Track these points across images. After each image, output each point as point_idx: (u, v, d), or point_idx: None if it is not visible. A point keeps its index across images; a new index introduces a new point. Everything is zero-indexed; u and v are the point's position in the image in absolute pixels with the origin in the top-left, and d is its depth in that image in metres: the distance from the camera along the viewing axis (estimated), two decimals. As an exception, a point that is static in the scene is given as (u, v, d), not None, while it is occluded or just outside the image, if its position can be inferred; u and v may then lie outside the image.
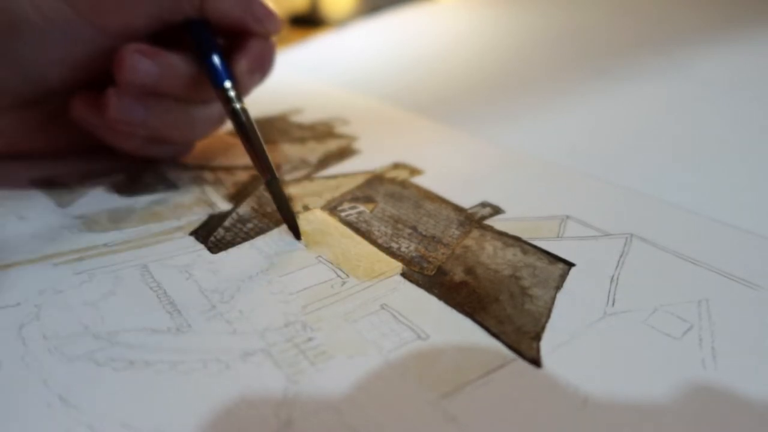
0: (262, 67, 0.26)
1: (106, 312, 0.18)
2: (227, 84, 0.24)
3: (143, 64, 0.23)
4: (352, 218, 0.23)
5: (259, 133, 0.23)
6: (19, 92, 0.24)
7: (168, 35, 0.25)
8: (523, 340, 0.17)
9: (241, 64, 0.25)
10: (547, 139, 0.31)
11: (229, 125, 0.29)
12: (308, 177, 0.27)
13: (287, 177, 0.27)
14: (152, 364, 0.16)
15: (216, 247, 0.21)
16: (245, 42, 0.25)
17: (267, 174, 0.22)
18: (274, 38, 0.27)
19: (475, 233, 0.22)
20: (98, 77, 0.24)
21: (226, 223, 0.23)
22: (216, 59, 0.24)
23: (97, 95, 0.24)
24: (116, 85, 0.24)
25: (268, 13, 0.26)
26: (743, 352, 0.16)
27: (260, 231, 0.22)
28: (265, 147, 0.23)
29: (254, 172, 0.27)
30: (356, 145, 0.30)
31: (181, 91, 0.24)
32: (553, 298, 0.18)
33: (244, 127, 0.23)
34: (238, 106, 0.23)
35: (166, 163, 0.28)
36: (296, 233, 0.22)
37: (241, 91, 0.25)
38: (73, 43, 0.23)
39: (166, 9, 0.23)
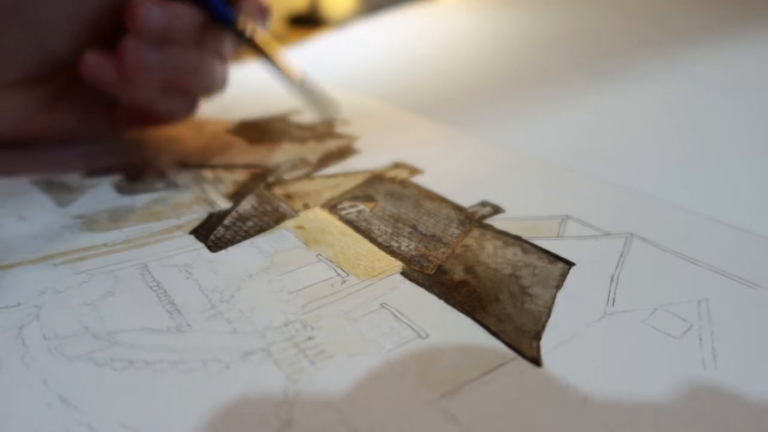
0: (262, 15, 0.29)
1: (106, 312, 0.18)
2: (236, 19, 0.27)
3: (153, 12, 0.25)
4: (352, 217, 0.23)
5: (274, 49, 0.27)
6: (31, 60, 0.25)
7: None
8: (523, 339, 0.17)
9: (245, 8, 0.28)
10: (547, 139, 0.31)
11: (232, 122, 0.29)
12: (308, 176, 0.27)
13: (287, 176, 0.27)
14: (152, 364, 0.16)
15: (216, 245, 0.21)
16: None
17: (293, 77, 0.26)
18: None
19: (475, 232, 0.22)
20: (103, 39, 0.25)
21: (226, 221, 0.23)
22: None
23: (107, 53, 0.25)
24: (130, 34, 0.25)
25: None
26: (743, 352, 0.16)
27: (260, 229, 0.22)
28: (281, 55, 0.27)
29: (253, 170, 0.27)
30: (356, 144, 0.30)
31: (192, 37, 0.26)
32: (553, 298, 0.18)
33: (259, 47, 0.27)
34: (248, 33, 0.27)
35: (174, 121, 0.29)
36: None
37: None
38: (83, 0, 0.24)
39: None
